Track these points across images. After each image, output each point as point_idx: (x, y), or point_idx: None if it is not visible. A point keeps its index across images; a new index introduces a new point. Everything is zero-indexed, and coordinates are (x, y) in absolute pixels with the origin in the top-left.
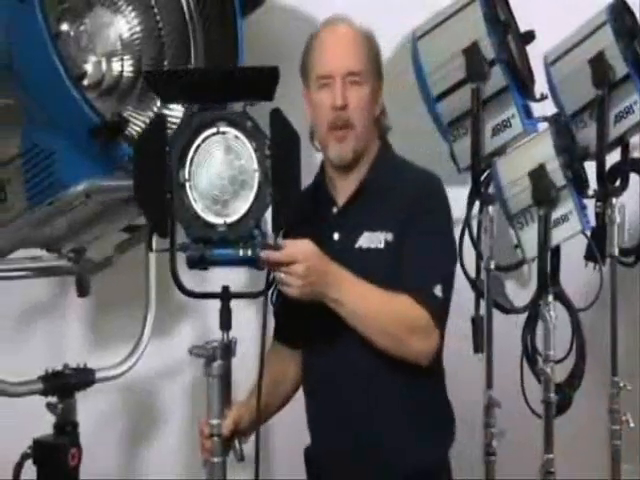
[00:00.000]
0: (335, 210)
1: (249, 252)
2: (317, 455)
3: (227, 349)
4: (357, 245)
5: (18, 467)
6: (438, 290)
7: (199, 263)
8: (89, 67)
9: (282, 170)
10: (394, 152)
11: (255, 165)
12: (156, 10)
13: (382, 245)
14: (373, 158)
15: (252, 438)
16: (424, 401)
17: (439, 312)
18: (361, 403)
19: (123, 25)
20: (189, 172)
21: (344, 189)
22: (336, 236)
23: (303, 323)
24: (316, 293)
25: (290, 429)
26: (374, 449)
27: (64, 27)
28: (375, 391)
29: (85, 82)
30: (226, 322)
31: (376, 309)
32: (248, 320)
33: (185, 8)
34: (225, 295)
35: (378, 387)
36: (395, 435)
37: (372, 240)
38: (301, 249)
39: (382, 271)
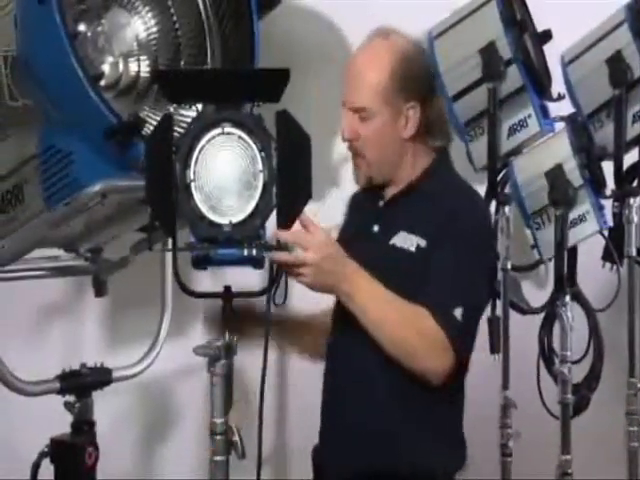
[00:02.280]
0: (381, 203)
1: (254, 252)
2: (322, 459)
3: (229, 348)
4: (391, 242)
5: (36, 466)
6: (458, 313)
7: (204, 263)
8: (106, 68)
9: (289, 171)
10: (453, 167)
11: (260, 166)
12: (172, 10)
13: (414, 249)
14: (428, 165)
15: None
16: (436, 419)
17: (456, 333)
18: (370, 413)
19: (140, 26)
20: (194, 172)
21: (394, 188)
22: (376, 228)
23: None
24: (329, 284)
25: (305, 429)
26: (380, 458)
27: (81, 28)
28: (385, 401)
29: (102, 83)
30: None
31: (388, 312)
32: None
33: (202, 8)
34: (227, 295)
35: (389, 398)
36: (402, 446)
37: (406, 241)
38: (314, 237)
39: (406, 273)
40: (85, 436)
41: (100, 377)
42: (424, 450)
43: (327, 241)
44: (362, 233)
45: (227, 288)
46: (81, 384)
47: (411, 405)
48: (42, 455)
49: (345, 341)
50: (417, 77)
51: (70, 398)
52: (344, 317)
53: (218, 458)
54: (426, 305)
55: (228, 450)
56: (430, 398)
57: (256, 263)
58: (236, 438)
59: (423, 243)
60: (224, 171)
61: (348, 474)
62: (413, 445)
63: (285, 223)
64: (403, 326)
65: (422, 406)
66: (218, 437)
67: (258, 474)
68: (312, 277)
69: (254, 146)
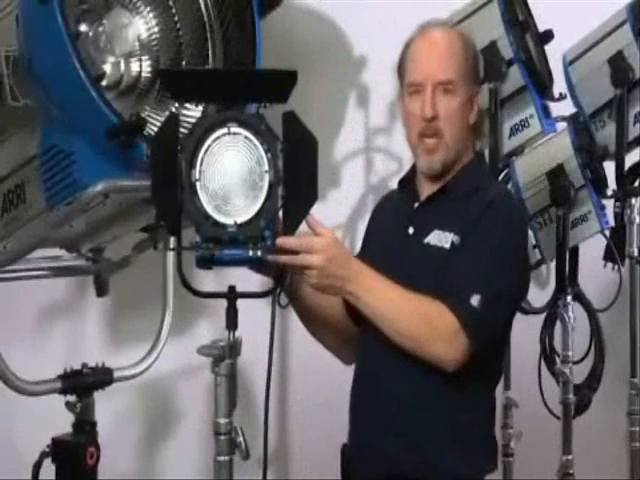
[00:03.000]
0: (416, 205)
1: (259, 253)
2: (351, 454)
3: (233, 348)
4: (426, 240)
5: (37, 466)
6: (475, 300)
7: (209, 263)
8: (108, 68)
9: (296, 172)
10: (486, 167)
11: (266, 166)
12: (174, 11)
13: (448, 245)
14: (463, 165)
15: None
16: (463, 420)
17: (471, 321)
18: (397, 409)
19: (141, 26)
20: (200, 172)
21: (428, 189)
22: (411, 230)
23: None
24: (334, 286)
25: (307, 430)
26: (404, 454)
27: (83, 28)
28: (413, 399)
29: (104, 83)
30: (232, 322)
31: (397, 309)
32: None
33: (203, 8)
34: (231, 295)
35: (417, 395)
36: (426, 445)
37: (440, 239)
38: (319, 240)
39: (440, 270)
40: (86, 436)
41: (101, 377)
42: (444, 453)
43: (332, 243)
44: (398, 236)
45: (231, 288)
46: (82, 384)
47: (431, 407)
48: (43, 455)
49: (364, 342)
50: (480, 65)
51: (71, 398)
52: (363, 320)
53: (222, 458)
54: (443, 292)
55: (232, 450)
56: (453, 401)
57: (261, 264)
58: (240, 438)
59: (457, 239)
60: (230, 171)
61: (370, 474)
62: (433, 448)
63: (291, 224)
64: (412, 317)
65: (443, 408)
66: (222, 437)
67: (264, 475)
68: (317, 279)
69: (260, 146)
